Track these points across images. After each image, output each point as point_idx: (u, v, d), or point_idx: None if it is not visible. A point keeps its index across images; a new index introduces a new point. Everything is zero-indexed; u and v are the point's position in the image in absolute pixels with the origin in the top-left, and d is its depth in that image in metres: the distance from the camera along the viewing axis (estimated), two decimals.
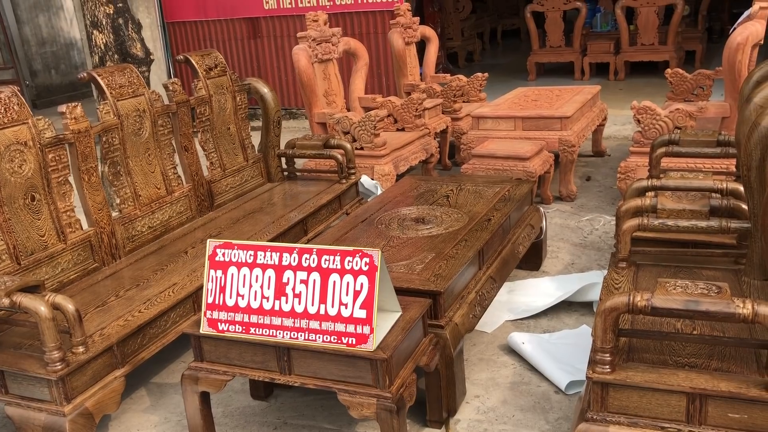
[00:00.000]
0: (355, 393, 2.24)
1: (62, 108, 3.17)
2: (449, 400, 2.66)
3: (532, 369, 2.99)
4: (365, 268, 2.22)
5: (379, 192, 4.71)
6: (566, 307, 3.48)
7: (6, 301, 2.41)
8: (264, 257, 2.34)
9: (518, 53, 12.44)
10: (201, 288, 3.08)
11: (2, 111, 2.88)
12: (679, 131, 3.85)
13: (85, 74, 3.44)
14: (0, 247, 2.85)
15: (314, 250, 2.30)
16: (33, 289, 2.53)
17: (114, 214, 3.47)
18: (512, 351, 3.14)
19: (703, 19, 9.87)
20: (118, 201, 3.48)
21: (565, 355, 3.00)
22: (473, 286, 2.94)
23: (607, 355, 2.12)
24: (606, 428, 2.16)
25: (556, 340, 3.14)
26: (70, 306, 2.50)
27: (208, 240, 2.42)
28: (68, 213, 3.16)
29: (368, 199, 4.67)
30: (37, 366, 2.48)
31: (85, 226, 3.31)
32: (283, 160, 4.66)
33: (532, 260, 3.91)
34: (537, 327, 3.34)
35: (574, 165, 5.07)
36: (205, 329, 2.40)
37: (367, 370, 2.22)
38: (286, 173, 4.67)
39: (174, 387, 3.08)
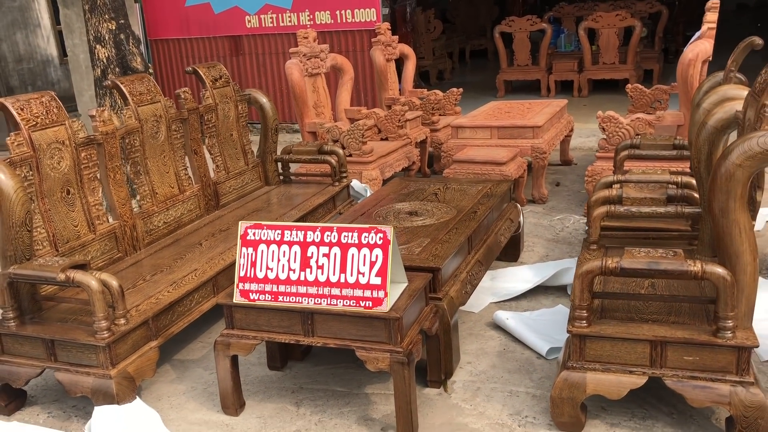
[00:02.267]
0: (371, 349, 2.61)
1: (92, 111, 3.50)
2: (447, 364, 3.04)
3: (516, 341, 3.39)
4: (380, 242, 2.61)
5: (369, 194, 5.10)
6: (543, 290, 3.90)
7: (62, 276, 2.74)
8: (291, 235, 2.72)
9: (486, 72, 13.01)
10: (219, 273, 3.45)
11: (44, 113, 3.22)
12: (639, 137, 4.31)
13: (110, 82, 3.78)
14: (41, 234, 3.16)
15: (335, 228, 2.68)
16: (80, 268, 2.86)
17: (134, 209, 3.79)
18: (497, 327, 3.54)
19: (659, 40, 10.53)
20: (138, 197, 3.82)
21: (544, 328, 3.41)
22: (464, 267, 3.34)
23: (584, 311, 2.54)
24: (584, 374, 2.57)
25: (536, 317, 3.56)
26: (114, 282, 2.84)
27: (240, 222, 2.78)
28: (97, 206, 3.49)
29: (359, 201, 5.06)
30: (86, 335, 2.81)
31: (110, 219, 3.63)
32: (279, 165, 5.03)
33: (511, 252, 4.33)
34: (518, 307, 3.75)
35: (545, 170, 5.53)
36: (237, 299, 2.76)
37: (382, 328, 2.59)
38: (281, 177, 5.04)
39: (195, 362, 3.41)
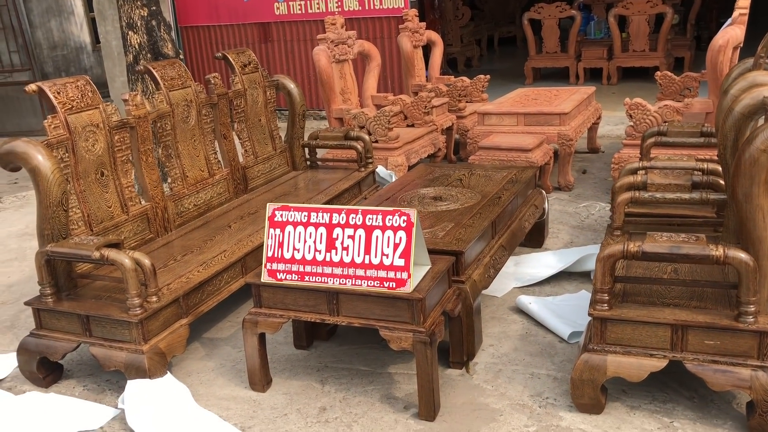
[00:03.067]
0: (395, 329, 2.67)
1: (125, 96, 3.59)
2: (469, 345, 3.09)
3: (538, 325, 3.43)
4: (403, 225, 2.66)
5: (394, 180, 5.14)
6: (567, 276, 3.92)
7: (97, 254, 2.84)
8: (317, 217, 2.78)
9: (514, 59, 12.95)
10: (248, 254, 3.53)
11: (79, 96, 3.31)
12: (667, 124, 4.29)
13: (141, 67, 3.87)
14: (77, 215, 3.27)
15: (359, 210, 2.73)
16: (114, 247, 2.96)
17: (165, 191, 3.89)
18: (520, 311, 3.57)
19: (691, 27, 10.38)
20: (169, 180, 3.91)
21: (566, 312, 3.44)
22: (488, 251, 3.38)
23: (606, 295, 2.57)
24: (605, 357, 2.60)
25: (559, 302, 3.58)
26: (146, 261, 2.93)
27: (268, 204, 2.85)
28: (129, 188, 3.58)
29: (383, 187, 5.11)
30: (119, 311, 2.91)
31: (142, 201, 3.73)
32: (306, 150, 5.09)
33: (536, 238, 4.35)
34: (541, 293, 3.78)
35: (571, 157, 5.52)
36: (265, 278, 2.83)
37: (405, 308, 2.65)
38: (308, 162, 5.10)
39: (224, 341, 3.50)
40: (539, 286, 3.85)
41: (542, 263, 4.02)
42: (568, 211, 5.05)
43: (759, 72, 3.47)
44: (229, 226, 3.89)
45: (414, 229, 2.64)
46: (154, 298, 2.96)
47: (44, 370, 3.15)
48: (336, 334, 3.44)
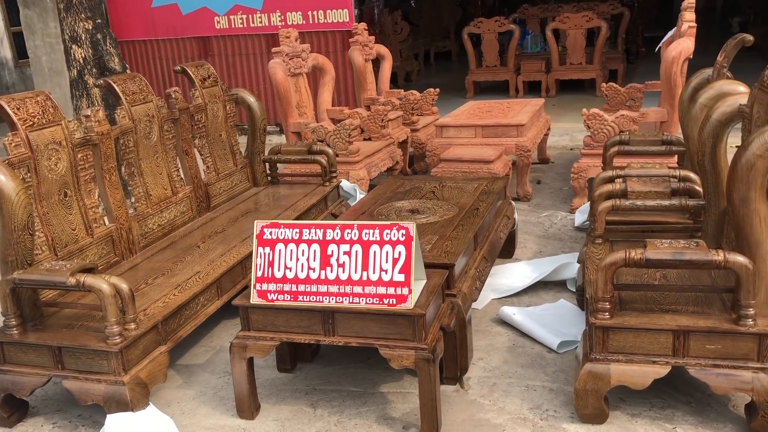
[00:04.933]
0: (395, 347, 2.59)
1: (87, 111, 3.39)
2: (462, 360, 3.04)
3: (524, 336, 3.41)
4: (402, 239, 2.59)
5: (359, 194, 5.07)
6: (543, 286, 3.93)
7: (72, 281, 2.64)
8: (309, 234, 2.67)
9: (451, 73, 13.11)
10: (223, 275, 3.38)
11: (40, 113, 3.10)
12: (628, 134, 4.38)
13: (102, 81, 3.67)
14: (40, 239, 3.04)
15: (355, 225, 2.64)
16: (88, 272, 2.76)
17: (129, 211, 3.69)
18: (503, 323, 3.55)
19: (622, 41, 10.75)
20: (132, 199, 3.71)
21: (550, 322, 3.43)
22: (472, 263, 3.34)
23: (607, 303, 2.56)
24: (608, 366, 2.59)
25: (541, 312, 3.58)
26: (124, 285, 2.75)
27: (255, 221, 2.73)
28: (93, 209, 3.38)
29: (348, 201, 5.03)
30: (96, 341, 2.71)
31: (106, 222, 3.52)
32: (267, 165, 4.95)
33: (506, 249, 4.34)
34: (520, 303, 3.76)
35: (529, 168, 5.58)
36: (255, 300, 2.70)
37: (406, 325, 2.57)
38: (269, 178, 4.96)
39: (200, 366, 3.33)
40: (517, 297, 3.84)
41: (518, 274, 4.02)
42: (531, 221, 5.09)
43: (724, 81, 3.59)
44: (198, 246, 3.71)
45: (413, 243, 2.57)
46: (133, 325, 2.78)
47: (8, 408, 2.90)
48: (319, 355, 3.32)
